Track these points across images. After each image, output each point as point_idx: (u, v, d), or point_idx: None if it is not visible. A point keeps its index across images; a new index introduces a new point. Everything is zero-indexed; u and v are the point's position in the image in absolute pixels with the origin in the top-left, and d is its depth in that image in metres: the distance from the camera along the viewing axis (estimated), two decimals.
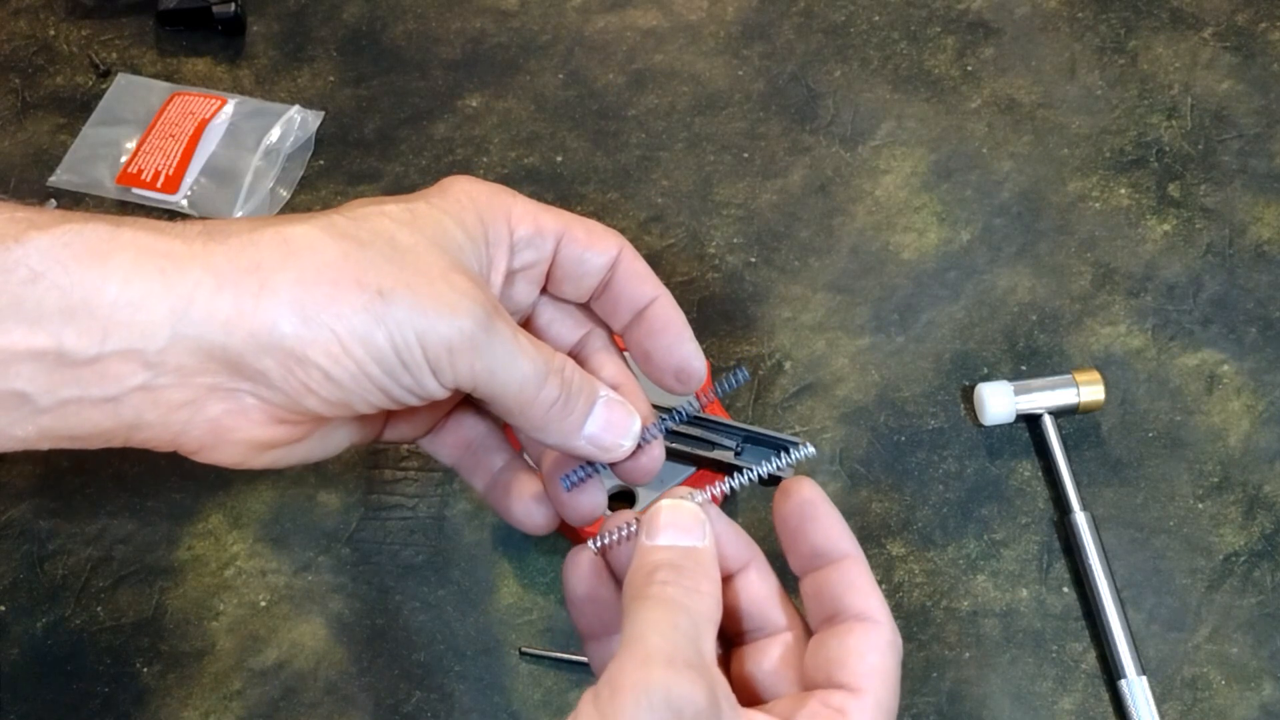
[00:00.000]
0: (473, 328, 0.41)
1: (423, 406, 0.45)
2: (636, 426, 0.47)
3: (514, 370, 0.42)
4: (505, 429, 0.52)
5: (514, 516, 0.50)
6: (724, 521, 0.46)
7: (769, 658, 0.45)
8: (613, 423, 0.46)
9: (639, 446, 0.48)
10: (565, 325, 0.50)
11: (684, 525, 0.43)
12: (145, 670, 0.64)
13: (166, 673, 0.63)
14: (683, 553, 0.42)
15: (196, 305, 0.39)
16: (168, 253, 0.39)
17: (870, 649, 0.42)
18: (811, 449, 0.48)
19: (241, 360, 0.40)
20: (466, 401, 0.51)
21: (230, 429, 0.42)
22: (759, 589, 0.46)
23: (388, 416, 0.48)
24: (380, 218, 0.42)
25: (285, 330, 0.39)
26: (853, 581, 0.44)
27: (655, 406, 0.50)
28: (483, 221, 0.44)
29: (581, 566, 0.46)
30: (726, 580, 0.45)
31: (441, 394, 0.42)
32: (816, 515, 0.45)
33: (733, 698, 0.40)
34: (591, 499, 0.48)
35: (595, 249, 0.47)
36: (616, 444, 0.46)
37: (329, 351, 0.40)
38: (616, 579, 0.46)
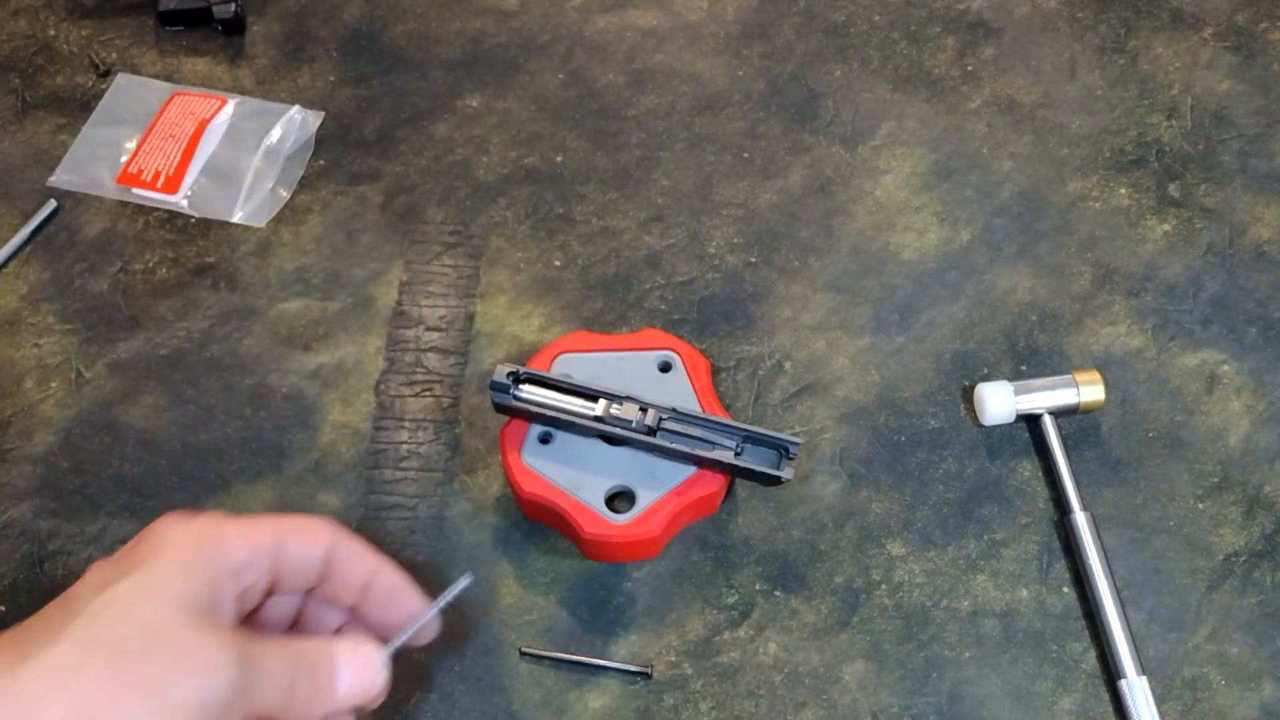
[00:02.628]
0: (235, 675, 0.45)
1: None
2: (380, 661, 0.51)
3: (270, 689, 0.47)
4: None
5: None
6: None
7: None
8: (359, 670, 0.51)
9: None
10: (289, 607, 0.54)
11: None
12: None
13: None
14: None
15: None
16: None
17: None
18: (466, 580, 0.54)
19: None
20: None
21: None
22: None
23: None
24: (116, 606, 0.45)
25: None
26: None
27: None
28: (202, 565, 0.48)
29: None
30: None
31: None
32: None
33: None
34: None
35: (306, 547, 0.51)
36: (372, 685, 0.51)
37: None
38: None
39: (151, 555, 0.47)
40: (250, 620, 0.52)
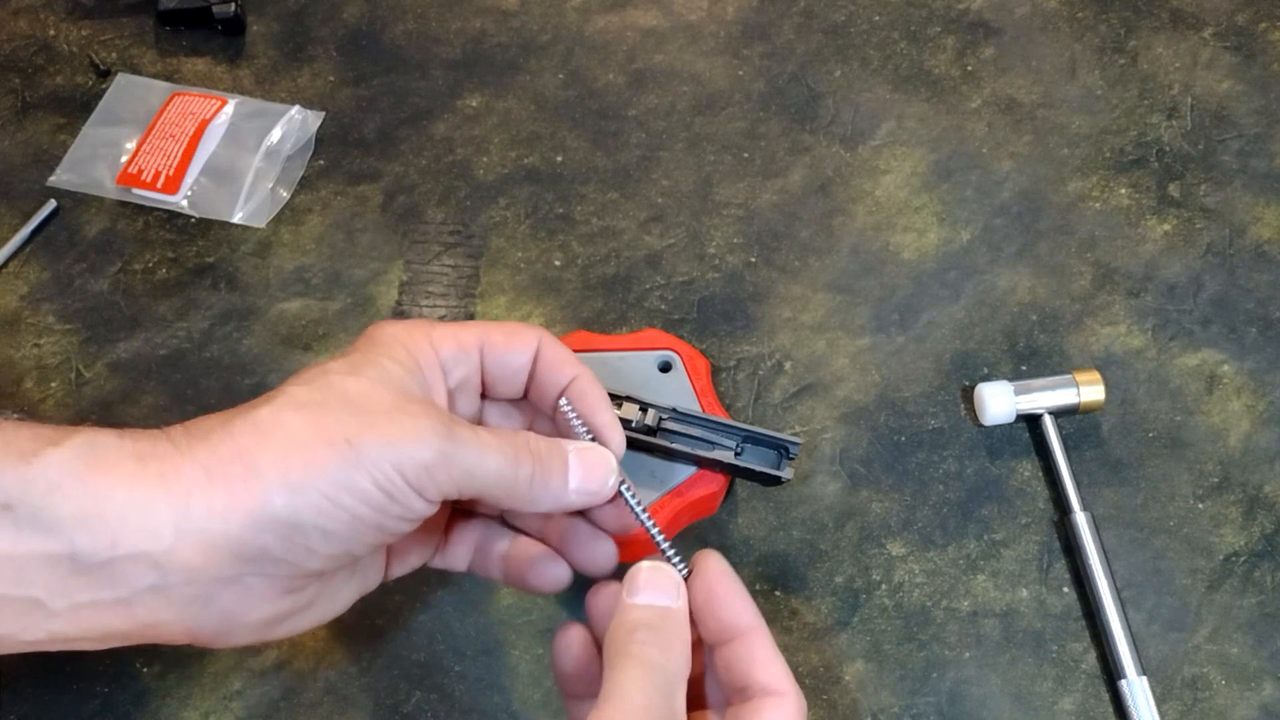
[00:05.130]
0: (438, 441, 0.45)
1: (417, 533, 0.49)
2: (613, 463, 0.51)
3: (487, 463, 0.47)
4: None
5: (537, 586, 0.54)
6: (736, 587, 0.48)
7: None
8: (591, 467, 0.50)
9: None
10: (512, 421, 0.55)
11: (662, 586, 0.47)
12: (145, 670, 0.64)
13: (166, 673, 0.63)
14: (659, 613, 0.46)
15: (194, 500, 0.43)
16: (163, 456, 0.44)
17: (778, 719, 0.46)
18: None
19: (242, 542, 0.43)
20: (459, 511, 0.56)
21: (241, 613, 0.45)
22: (753, 655, 0.48)
23: (389, 556, 0.53)
24: (328, 376, 0.47)
25: (277, 503, 0.43)
26: (757, 655, 0.47)
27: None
28: (411, 354, 0.49)
29: (572, 647, 0.50)
30: (727, 643, 0.48)
31: (430, 510, 0.47)
32: (723, 592, 0.48)
33: None
34: (605, 549, 0.53)
35: (515, 349, 0.52)
36: (603, 484, 0.51)
37: (320, 509, 0.44)
38: (600, 650, 0.49)
39: (362, 347, 0.49)
40: None
